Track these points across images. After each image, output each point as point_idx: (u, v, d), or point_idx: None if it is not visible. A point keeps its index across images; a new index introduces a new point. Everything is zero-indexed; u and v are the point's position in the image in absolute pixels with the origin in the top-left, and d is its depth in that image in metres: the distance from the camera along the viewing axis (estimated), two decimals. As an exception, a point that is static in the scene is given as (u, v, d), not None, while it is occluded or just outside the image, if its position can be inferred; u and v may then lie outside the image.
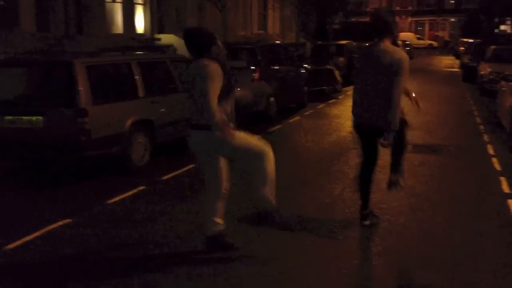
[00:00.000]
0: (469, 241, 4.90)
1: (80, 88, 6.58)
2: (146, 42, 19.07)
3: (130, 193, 6.43)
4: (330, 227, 5.24)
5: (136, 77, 7.51)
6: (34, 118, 6.67)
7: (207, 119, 4.15)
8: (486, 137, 9.83)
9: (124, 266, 4.41)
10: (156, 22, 22.32)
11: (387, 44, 4.84)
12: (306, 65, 16.88)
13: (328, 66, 17.48)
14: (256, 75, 11.39)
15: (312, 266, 4.36)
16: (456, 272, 4.27)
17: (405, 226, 5.27)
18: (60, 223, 5.37)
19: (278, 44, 15.32)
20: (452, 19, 64.43)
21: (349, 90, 18.31)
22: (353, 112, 5.09)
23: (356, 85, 5.11)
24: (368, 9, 65.07)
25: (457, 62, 31.59)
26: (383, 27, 4.87)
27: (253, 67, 11.51)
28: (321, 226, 5.27)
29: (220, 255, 4.49)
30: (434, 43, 58.70)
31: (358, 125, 5.11)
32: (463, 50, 29.72)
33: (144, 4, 21.80)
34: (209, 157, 4.44)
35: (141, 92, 7.56)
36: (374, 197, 6.10)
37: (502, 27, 50.98)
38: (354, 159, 8.07)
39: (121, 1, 20.37)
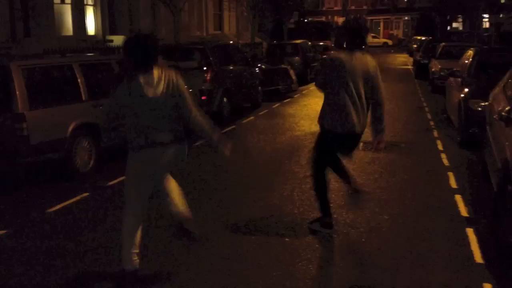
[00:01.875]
0: (414, 238, 4.88)
1: (17, 92, 6.30)
2: (97, 43, 18.62)
3: (72, 200, 6.18)
4: (277, 228, 5.14)
5: (79, 79, 7.25)
6: (-32, 124, 6.34)
7: (206, 131, 4.01)
8: (435, 133, 9.95)
9: (57, 278, 4.20)
10: (108, 24, 21.87)
11: (363, 52, 4.89)
12: (261, 65, 16.83)
13: (283, 66, 17.46)
14: (208, 76, 11.22)
15: (258, 267, 4.24)
16: (400, 269, 4.22)
17: (352, 225, 5.21)
18: (-6, 234, 5.10)
19: (231, 44, 15.18)
20: (406, 18, 65.64)
21: (305, 89, 18.39)
22: (346, 121, 4.78)
23: (342, 94, 4.77)
24: (324, 9, 65.91)
25: (411, 59, 32.11)
26: (364, 37, 4.91)
27: (205, 68, 11.33)
28: (268, 228, 5.16)
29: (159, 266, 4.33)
30: (389, 42, 59.66)
31: (349, 134, 4.85)
32: (415, 47, 30.24)
33: (94, 5, 21.34)
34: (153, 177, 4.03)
35: (84, 95, 7.31)
36: (322, 197, 6.09)
37: (455, 25, 52.24)
38: (306, 157, 8.02)
39: (70, 2, 19.87)
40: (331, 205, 5.31)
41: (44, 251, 4.71)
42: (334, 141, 4.91)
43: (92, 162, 7.35)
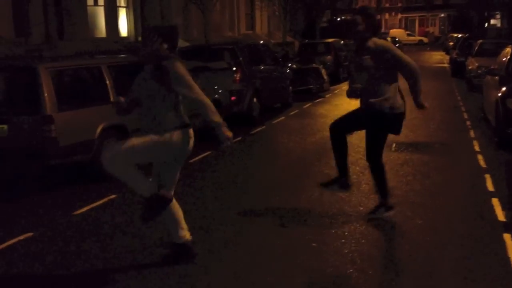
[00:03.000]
0: (449, 244, 4.66)
1: (45, 94, 6.32)
2: (130, 45, 18.76)
3: (99, 202, 6.17)
4: (304, 233, 4.99)
5: (107, 81, 7.24)
6: (-2, 126, 6.40)
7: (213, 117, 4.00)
8: (472, 133, 9.62)
9: (83, 282, 4.15)
10: (140, 26, 22.01)
11: None
12: (292, 65, 16.68)
13: (314, 65, 17.28)
14: (237, 76, 11.12)
15: (283, 274, 4.10)
16: (434, 277, 4.03)
17: (382, 229, 5.03)
18: (21, 237, 5.09)
19: (261, 44, 15.06)
20: (442, 15, 64.39)
21: (337, 89, 18.13)
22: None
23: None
24: (357, 7, 65.18)
25: (447, 57, 31.42)
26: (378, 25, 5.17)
27: (234, 68, 11.24)
28: (295, 232, 5.02)
29: (183, 266, 4.24)
30: (425, 39, 58.55)
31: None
32: (452, 45, 29.57)
33: (127, 7, 21.53)
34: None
35: (113, 97, 7.28)
36: (352, 199, 5.94)
37: (492, 21, 50.91)
38: (336, 159, 7.85)
39: (104, 4, 20.08)
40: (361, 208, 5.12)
41: (68, 254, 4.68)
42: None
43: (120, 163, 7.32)
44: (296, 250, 4.61)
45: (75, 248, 4.82)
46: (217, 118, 3.98)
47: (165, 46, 4.05)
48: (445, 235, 4.87)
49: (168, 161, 4.16)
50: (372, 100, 4.94)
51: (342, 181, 5.28)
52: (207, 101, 4.02)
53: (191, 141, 4.16)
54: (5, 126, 6.38)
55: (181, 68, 3.98)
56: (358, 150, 7.62)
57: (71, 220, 5.60)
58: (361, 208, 5.60)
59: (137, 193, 4.28)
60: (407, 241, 4.76)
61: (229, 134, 4.02)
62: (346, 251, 4.54)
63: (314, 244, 4.71)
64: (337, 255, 4.46)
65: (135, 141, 4.04)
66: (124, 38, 20.72)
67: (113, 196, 6.38)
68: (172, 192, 4.28)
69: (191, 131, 4.16)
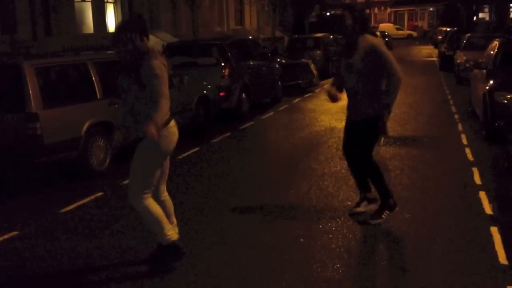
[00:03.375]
0: (436, 237, 4.66)
1: (30, 91, 6.25)
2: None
3: (86, 200, 6.12)
4: (292, 228, 4.98)
5: (93, 77, 7.18)
6: (-18, 124, 6.32)
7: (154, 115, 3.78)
8: (460, 127, 9.65)
9: (68, 280, 4.11)
10: (128, 21, 21.90)
11: None
12: (282, 60, 16.64)
13: (303, 60, 17.23)
14: (225, 72, 11.08)
15: (270, 270, 4.09)
16: (420, 271, 4.02)
17: (369, 224, 5.01)
18: (6, 236, 5.04)
19: (250, 39, 15.02)
20: (431, 8, 64.52)
21: (326, 84, 18.09)
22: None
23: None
24: (346, 1, 65.14)
25: (436, 51, 31.49)
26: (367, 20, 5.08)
27: (223, 64, 11.20)
28: (283, 228, 5.00)
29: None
30: (414, 33, 58.65)
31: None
32: (440, 39, 29.64)
33: (114, 3, 21.38)
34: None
35: (99, 94, 7.23)
36: (340, 194, 5.93)
37: (481, 15, 51.09)
38: (325, 154, 7.87)
39: (91, 0, 19.92)
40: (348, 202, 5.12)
41: (54, 252, 4.63)
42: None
43: (108, 160, 7.29)
44: (284, 245, 4.59)
45: (60, 246, 4.77)
46: (155, 116, 3.71)
47: (145, 40, 3.85)
48: (433, 229, 4.87)
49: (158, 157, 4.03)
50: (364, 105, 4.81)
51: (389, 203, 5.04)
52: (161, 105, 3.76)
53: (173, 137, 4.01)
54: (-9, 124, 6.30)
55: (155, 69, 3.76)
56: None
57: (57, 218, 5.55)
58: (349, 203, 5.59)
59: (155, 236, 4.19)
60: (394, 236, 4.77)
61: (152, 131, 3.63)
62: (334, 246, 4.54)
63: (302, 240, 4.70)
64: (325, 250, 4.45)
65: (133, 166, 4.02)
66: (112, 33, 20.52)
67: (99, 194, 6.33)
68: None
69: (172, 128, 4.00)
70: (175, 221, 4.33)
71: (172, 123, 4.03)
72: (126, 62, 3.87)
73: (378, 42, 4.89)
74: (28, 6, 16.38)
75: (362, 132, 4.88)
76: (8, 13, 15.40)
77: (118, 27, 3.95)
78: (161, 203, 4.16)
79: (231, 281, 3.98)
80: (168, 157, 4.18)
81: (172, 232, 4.12)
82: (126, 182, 6.72)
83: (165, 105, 3.77)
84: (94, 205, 5.96)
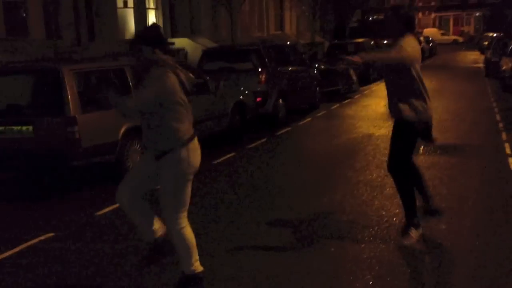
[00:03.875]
0: (474, 251, 4.51)
1: (69, 95, 6.39)
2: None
3: (121, 203, 6.18)
4: (322, 237, 4.90)
5: (130, 82, 7.27)
6: (24, 127, 6.52)
7: None
8: (504, 136, 9.34)
9: (99, 283, 4.16)
10: (169, 27, 22.18)
11: None
12: (321, 65, 16.53)
13: (343, 66, 17.07)
14: (262, 77, 11.07)
15: (299, 279, 4.03)
16: (457, 286, 3.89)
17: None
18: (42, 237, 5.15)
19: (287, 44, 14.96)
20: (477, 14, 63.01)
21: (366, 90, 17.92)
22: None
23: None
24: (389, 6, 64.21)
25: (482, 57, 30.71)
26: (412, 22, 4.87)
27: (260, 69, 11.19)
28: (313, 236, 4.93)
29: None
30: (459, 39, 57.42)
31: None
32: (486, 44, 28.90)
33: (156, 9, 21.69)
34: None
35: (136, 98, 7.32)
36: (375, 203, 5.82)
37: (529, 20, 49.58)
38: (361, 162, 7.76)
39: (133, 6, 20.27)
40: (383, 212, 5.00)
41: (87, 253, 4.70)
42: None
43: (143, 164, 7.36)
44: (313, 254, 4.53)
45: (93, 248, 4.83)
46: (123, 100, 3.69)
47: (157, 51, 3.69)
48: (469, 241, 4.71)
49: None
50: (404, 107, 4.61)
51: (427, 207, 4.91)
52: (131, 102, 3.69)
53: (196, 152, 3.82)
54: (31, 127, 6.47)
55: (152, 78, 3.63)
56: (385, 152, 7.48)
57: (92, 221, 5.64)
58: (383, 212, 5.48)
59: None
60: (428, 247, 4.63)
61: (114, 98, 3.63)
62: (365, 256, 4.44)
63: (332, 249, 4.62)
64: (355, 261, 4.36)
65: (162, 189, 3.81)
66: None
67: (134, 197, 6.39)
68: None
69: (194, 144, 3.82)
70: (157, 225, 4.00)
71: (195, 139, 3.85)
72: (139, 73, 3.85)
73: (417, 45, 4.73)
74: (72, 11, 16.79)
75: (407, 133, 4.69)
76: (54, 18, 15.82)
77: (132, 39, 3.93)
78: (141, 204, 3.91)
79: (258, 290, 3.94)
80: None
81: (197, 263, 3.82)
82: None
83: (131, 106, 3.66)
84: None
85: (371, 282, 3.98)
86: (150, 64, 3.71)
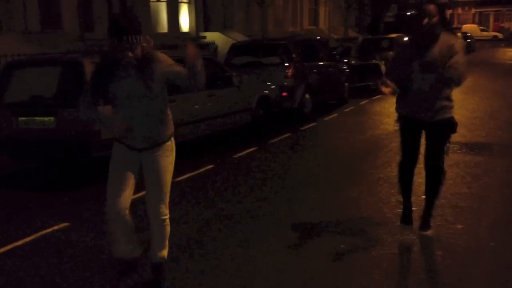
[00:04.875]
0: (486, 252, 4.37)
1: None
2: (191, 40, 18.99)
3: (138, 195, 6.21)
4: (334, 234, 4.84)
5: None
6: (46, 118, 6.63)
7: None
8: (535, 135, 9.06)
9: (109, 274, 4.20)
10: (202, 20, 22.28)
11: None
12: (352, 61, 16.33)
13: (374, 61, 16.81)
14: (289, 72, 11.00)
15: (307, 276, 3.99)
16: (454, 286, 3.79)
17: (417, 233, 4.78)
18: (56, 227, 5.24)
19: (317, 39, 14.83)
20: (519, 9, 61.25)
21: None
22: None
23: None
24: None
25: (522, 54, 29.90)
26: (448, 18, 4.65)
27: (287, 64, 11.12)
28: (325, 232, 4.87)
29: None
30: (499, 35, 55.91)
31: None
32: (527, 41, 28.05)
33: (189, 3, 21.80)
34: None
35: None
36: (391, 200, 5.72)
37: None
38: (383, 158, 7.64)
39: (166, 0, 20.43)
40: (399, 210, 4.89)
41: (99, 246, 4.75)
42: None
43: (164, 157, 7.40)
44: (323, 250, 4.47)
45: (107, 239, 4.89)
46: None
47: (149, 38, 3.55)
48: (485, 242, 4.57)
49: None
50: (440, 108, 4.49)
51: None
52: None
53: None
54: (53, 118, 6.58)
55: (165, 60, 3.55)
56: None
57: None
58: (399, 210, 5.35)
59: None
60: (441, 246, 4.51)
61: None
62: (375, 254, 4.36)
63: (342, 246, 4.55)
64: (364, 258, 4.29)
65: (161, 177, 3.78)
66: (185, 33, 21.01)
67: (152, 189, 6.44)
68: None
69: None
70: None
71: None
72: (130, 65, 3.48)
73: (461, 42, 4.54)
74: (105, 5, 17.02)
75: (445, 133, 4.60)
76: (87, 12, 16.08)
77: (119, 31, 3.36)
78: (127, 217, 3.81)
79: (261, 284, 3.91)
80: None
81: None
82: (177, 179, 6.85)
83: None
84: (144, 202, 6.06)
85: (377, 279, 3.90)
86: (150, 54, 3.50)
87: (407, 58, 4.50)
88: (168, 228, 3.81)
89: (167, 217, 3.77)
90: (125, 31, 3.33)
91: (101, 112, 3.65)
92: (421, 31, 4.36)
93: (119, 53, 3.39)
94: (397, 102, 4.82)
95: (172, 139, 3.76)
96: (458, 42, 4.45)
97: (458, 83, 4.37)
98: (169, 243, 3.88)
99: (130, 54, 3.38)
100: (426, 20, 4.29)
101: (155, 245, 3.81)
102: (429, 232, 4.70)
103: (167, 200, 3.76)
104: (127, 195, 3.76)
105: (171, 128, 3.75)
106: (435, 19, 4.31)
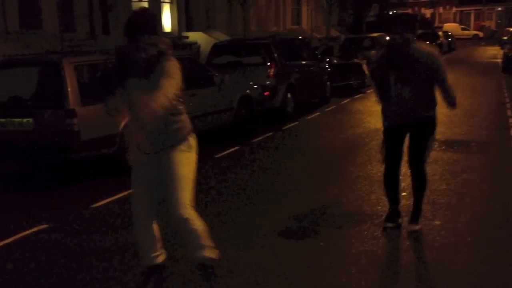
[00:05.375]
0: (463, 247, 4.43)
1: (69, 88, 6.43)
2: (173, 40, 18.93)
3: (119, 195, 6.21)
4: (314, 231, 4.87)
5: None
6: (24, 120, 6.58)
7: None
8: (512, 132, 9.19)
9: (88, 275, 4.18)
10: (184, 20, 22.22)
11: None
12: (334, 60, 16.42)
13: (356, 60, 16.92)
14: (271, 71, 11.03)
15: (287, 272, 4.01)
16: (443, 282, 3.84)
17: (395, 230, 4.82)
18: (35, 229, 5.19)
19: (298, 39, 14.90)
20: (499, 8, 61.97)
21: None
22: None
23: None
24: (410, 0, 63.48)
25: (501, 52, 30.21)
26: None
27: (268, 63, 11.15)
28: (305, 229, 4.90)
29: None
30: (480, 34, 56.48)
31: None
32: (506, 39, 28.42)
33: (171, 3, 21.74)
34: None
35: (138, 91, 7.34)
36: (372, 198, 5.77)
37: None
38: (363, 156, 7.69)
39: (148, 0, 20.35)
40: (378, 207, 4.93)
41: (79, 246, 4.73)
42: None
43: (145, 157, 7.38)
44: (302, 248, 4.50)
45: (84, 240, 4.86)
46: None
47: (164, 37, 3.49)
48: (462, 238, 4.64)
49: None
50: (424, 108, 4.58)
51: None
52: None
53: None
54: (31, 119, 6.53)
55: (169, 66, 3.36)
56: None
57: (88, 213, 5.67)
58: (379, 207, 5.42)
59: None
60: (420, 243, 4.57)
61: None
62: (354, 251, 4.40)
63: (321, 243, 4.59)
64: (343, 255, 4.32)
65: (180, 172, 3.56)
66: (168, 33, 20.94)
67: (133, 190, 6.42)
68: None
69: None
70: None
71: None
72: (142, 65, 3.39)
73: (436, 50, 4.66)
74: (86, 5, 16.91)
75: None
76: (67, 12, 15.96)
77: (130, 28, 3.39)
78: (152, 223, 3.69)
79: (240, 283, 3.92)
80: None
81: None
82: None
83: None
84: (127, 201, 6.04)
85: (356, 276, 3.94)
86: (160, 54, 3.38)
87: (384, 67, 4.58)
88: (198, 227, 3.51)
89: (190, 216, 3.47)
90: (139, 31, 3.29)
91: (112, 105, 3.47)
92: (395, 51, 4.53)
93: (131, 52, 3.33)
94: (382, 113, 4.85)
95: (190, 137, 3.58)
96: (436, 52, 4.57)
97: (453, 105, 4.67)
98: (209, 241, 3.60)
99: (143, 54, 3.30)
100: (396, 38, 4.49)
101: (190, 247, 3.61)
102: (417, 228, 4.76)
103: (187, 199, 3.47)
104: (152, 201, 3.63)
105: (185, 128, 3.56)
106: (406, 37, 4.46)
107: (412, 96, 4.52)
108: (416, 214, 4.81)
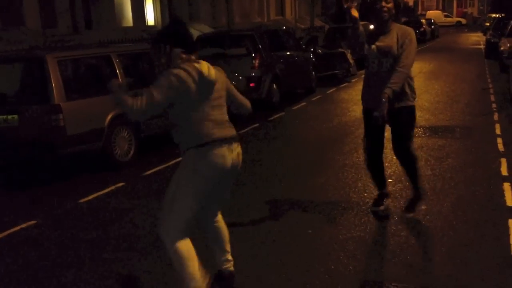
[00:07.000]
0: (449, 229, 4.51)
1: (53, 83, 6.40)
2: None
3: (106, 190, 6.23)
4: (302, 219, 4.92)
5: (117, 70, 7.28)
6: (9, 116, 6.53)
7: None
8: (496, 116, 9.31)
9: (77, 269, 4.20)
10: (167, 13, 22.10)
11: None
12: (318, 49, 16.43)
13: (340, 49, 16.95)
14: (256, 62, 11.04)
15: (274, 261, 4.06)
16: (428, 265, 3.91)
17: (381, 216, 4.90)
18: (24, 225, 5.19)
19: (282, 29, 14.89)
20: (481, -6, 62.41)
21: (364, 73, 17.81)
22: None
23: None
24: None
25: (484, 38, 30.46)
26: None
27: (253, 54, 11.16)
28: (293, 217, 4.95)
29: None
30: (463, 20, 56.89)
31: None
32: (488, 26, 28.66)
33: (154, -4, 21.66)
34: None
35: (123, 85, 7.32)
36: (358, 185, 5.83)
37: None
38: (349, 144, 7.76)
39: (131, -7, 20.25)
40: (365, 194, 4.98)
41: (66, 241, 4.74)
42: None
43: (132, 151, 7.39)
44: (291, 236, 4.55)
45: (72, 235, 4.88)
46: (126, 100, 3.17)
47: (178, 51, 3.29)
48: (447, 221, 4.71)
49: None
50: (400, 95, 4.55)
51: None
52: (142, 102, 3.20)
53: (217, 160, 3.34)
54: (16, 116, 6.49)
55: (164, 79, 3.23)
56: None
57: (75, 208, 5.68)
58: (365, 194, 5.49)
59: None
60: (405, 227, 4.64)
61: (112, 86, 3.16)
62: (341, 237, 4.46)
63: (310, 231, 4.64)
64: (331, 242, 4.38)
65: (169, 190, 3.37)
66: (151, 26, 20.82)
67: (120, 184, 6.43)
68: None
69: (216, 150, 3.34)
70: (229, 250, 3.71)
71: (218, 146, 3.37)
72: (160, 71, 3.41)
73: (412, 31, 4.67)
74: (68, 0, 16.77)
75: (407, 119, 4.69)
76: (49, 7, 15.81)
77: (156, 36, 3.45)
78: (214, 228, 3.63)
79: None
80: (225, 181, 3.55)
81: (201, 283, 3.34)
82: (149, 172, 6.85)
83: (146, 105, 3.19)
84: (114, 196, 6.06)
85: (344, 262, 4.00)
86: (169, 64, 3.35)
87: (368, 42, 4.66)
88: (174, 260, 3.29)
89: (168, 246, 3.26)
90: (162, 40, 3.33)
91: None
92: (377, 14, 4.67)
93: (153, 58, 3.45)
94: (362, 96, 4.93)
95: (193, 153, 3.30)
96: (411, 31, 4.63)
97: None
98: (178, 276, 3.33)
99: (162, 60, 3.37)
100: (380, 4, 4.60)
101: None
102: (411, 215, 4.82)
103: (171, 224, 3.24)
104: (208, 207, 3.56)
105: (188, 142, 3.33)
106: (389, 5, 4.57)
107: (389, 74, 4.53)
108: (413, 201, 4.87)
